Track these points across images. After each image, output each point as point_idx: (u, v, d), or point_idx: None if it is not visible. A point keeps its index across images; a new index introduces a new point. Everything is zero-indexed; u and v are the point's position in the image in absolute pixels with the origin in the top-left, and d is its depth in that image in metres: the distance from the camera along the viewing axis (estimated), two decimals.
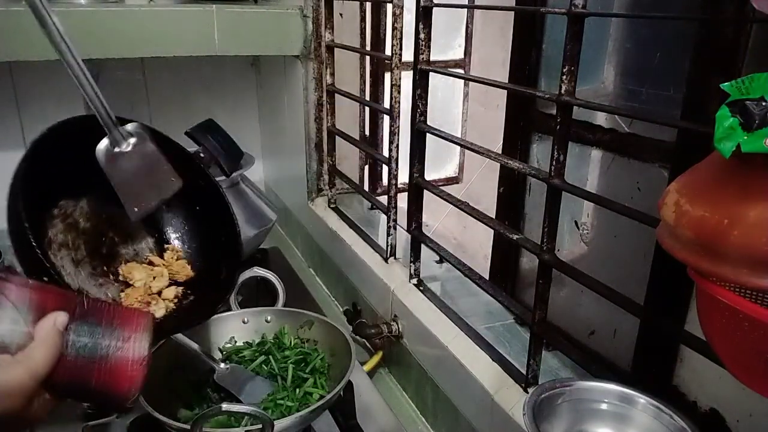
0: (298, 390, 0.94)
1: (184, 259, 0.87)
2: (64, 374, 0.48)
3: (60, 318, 0.46)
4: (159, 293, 0.81)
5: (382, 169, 1.70)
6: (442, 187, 1.06)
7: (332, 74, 1.40)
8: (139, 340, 0.52)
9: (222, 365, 0.95)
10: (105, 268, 0.80)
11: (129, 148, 0.73)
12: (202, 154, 0.88)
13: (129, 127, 0.74)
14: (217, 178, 0.88)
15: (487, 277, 1.18)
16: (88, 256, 0.79)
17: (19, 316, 0.45)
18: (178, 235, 0.89)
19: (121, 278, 0.80)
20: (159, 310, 0.78)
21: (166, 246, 0.88)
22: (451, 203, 1.00)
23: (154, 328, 0.58)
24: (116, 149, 0.72)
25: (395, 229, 1.19)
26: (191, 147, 0.89)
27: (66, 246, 0.76)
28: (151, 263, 0.85)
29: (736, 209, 0.41)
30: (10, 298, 0.44)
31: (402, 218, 1.21)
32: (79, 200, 0.80)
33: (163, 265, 0.85)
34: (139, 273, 0.81)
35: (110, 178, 0.72)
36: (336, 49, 1.38)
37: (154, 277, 0.82)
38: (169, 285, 0.83)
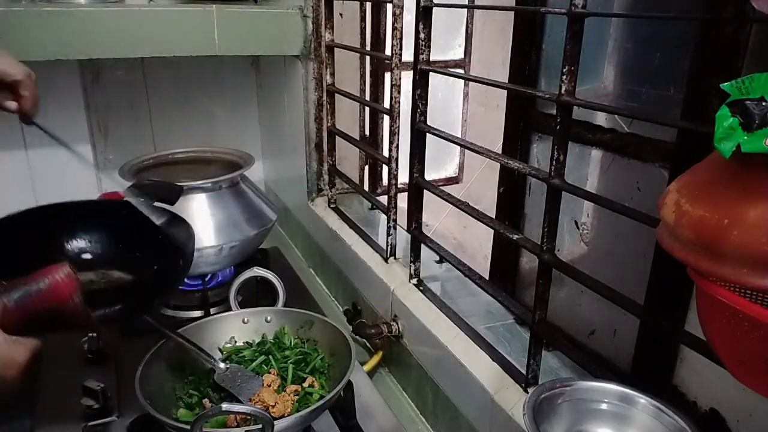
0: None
1: None
2: (20, 316, 0.59)
3: None
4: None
5: (382, 169, 1.70)
6: (442, 187, 1.06)
7: (332, 74, 1.40)
8: (59, 273, 0.61)
9: (222, 365, 0.95)
10: None
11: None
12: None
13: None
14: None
15: (487, 277, 1.18)
16: None
17: None
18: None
19: None
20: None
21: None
22: (451, 203, 1.00)
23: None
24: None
25: (395, 229, 1.19)
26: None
27: None
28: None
29: (736, 209, 0.41)
30: None
31: (402, 218, 1.21)
32: None
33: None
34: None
35: None
36: (336, 49, 1.38)
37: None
38: None
